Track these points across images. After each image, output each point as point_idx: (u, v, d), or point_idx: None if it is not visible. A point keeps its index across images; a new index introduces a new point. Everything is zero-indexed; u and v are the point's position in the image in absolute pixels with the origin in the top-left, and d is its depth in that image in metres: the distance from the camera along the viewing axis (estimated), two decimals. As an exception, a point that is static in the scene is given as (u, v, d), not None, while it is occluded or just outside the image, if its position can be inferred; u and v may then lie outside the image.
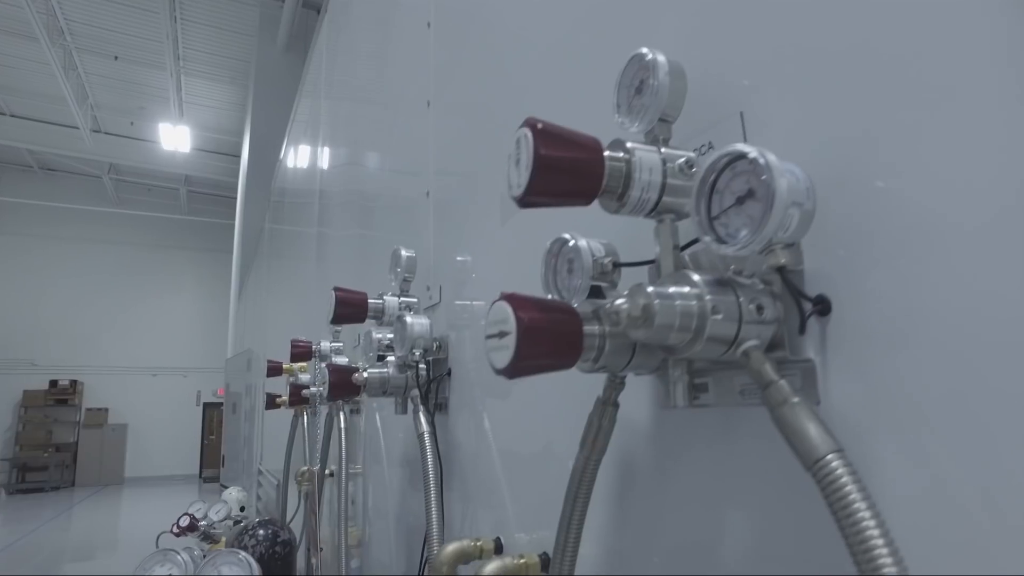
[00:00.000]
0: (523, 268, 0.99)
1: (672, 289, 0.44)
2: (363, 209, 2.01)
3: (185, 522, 2.49)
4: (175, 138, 12.15)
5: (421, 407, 1.07)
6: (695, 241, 0.55)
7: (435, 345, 1.11)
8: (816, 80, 0.50)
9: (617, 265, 0.59)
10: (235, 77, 11.15)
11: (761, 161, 0.42)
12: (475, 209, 1.15)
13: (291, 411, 2.58)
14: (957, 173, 0.40)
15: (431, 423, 1.06)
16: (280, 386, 2.62)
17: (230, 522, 2.59)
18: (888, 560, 0.35)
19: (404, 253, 1.18)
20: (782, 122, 0.53)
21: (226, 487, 7.72)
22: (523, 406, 0.96)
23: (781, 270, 0.43)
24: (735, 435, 0.55)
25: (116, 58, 10.42)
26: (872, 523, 0.36)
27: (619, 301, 0.44)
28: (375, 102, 1.92)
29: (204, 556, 1.02)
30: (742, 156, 0.44)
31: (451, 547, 0.86)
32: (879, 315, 0.44)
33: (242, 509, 2.80)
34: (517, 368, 0.50)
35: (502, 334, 0.51)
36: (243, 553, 0.98)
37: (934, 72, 0.41)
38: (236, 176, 12.33)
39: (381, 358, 1.22)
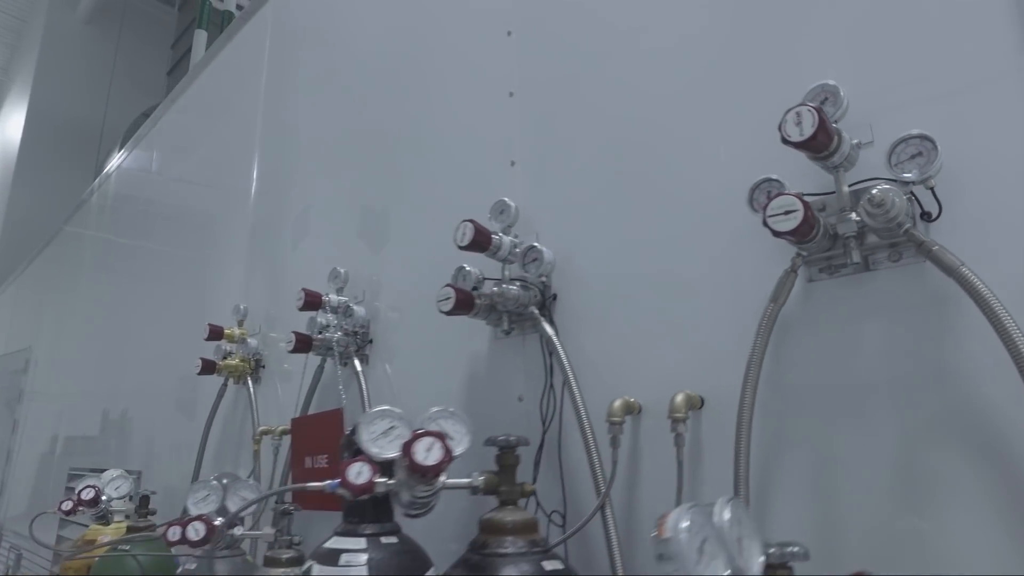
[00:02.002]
0: (593, 222, 1.42)
1: (891, 189, 0.91)
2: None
3: (89, 494, 2.21)
4: None
5: (543, 318, 1.40)
6: (855, 184, 1.04)
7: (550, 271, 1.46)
8: (915, 99, 1.03)
9: (805, 195, 1.05)
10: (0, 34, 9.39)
11: (931, 136, 0.92)
12: (561, 175, 1.53)
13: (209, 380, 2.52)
14: (986, 137, 0.94)
15: (553, 326, 1.39)
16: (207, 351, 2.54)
17: (132, 503, 2.37)
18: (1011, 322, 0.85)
19: (512, 203, 1.50)
20: (893, 130, 1.05)
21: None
22: (621, 320, 1.35)
23: (932, 190, 0.94)
24: (864, 291, 1.04)
25: None
26: (992, 296, 0.86)
27: (876, 191, 0.90)
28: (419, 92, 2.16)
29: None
30: (916, 136, 0.94)
31: (618, 401, 1.21)
32: (957, 219, 0.97)
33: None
34: (798, 232, 0.93)
35: (788, 212, 0.94)
36: (451, 407, 1.16)
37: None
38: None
39: (475, 289, 1.51)
